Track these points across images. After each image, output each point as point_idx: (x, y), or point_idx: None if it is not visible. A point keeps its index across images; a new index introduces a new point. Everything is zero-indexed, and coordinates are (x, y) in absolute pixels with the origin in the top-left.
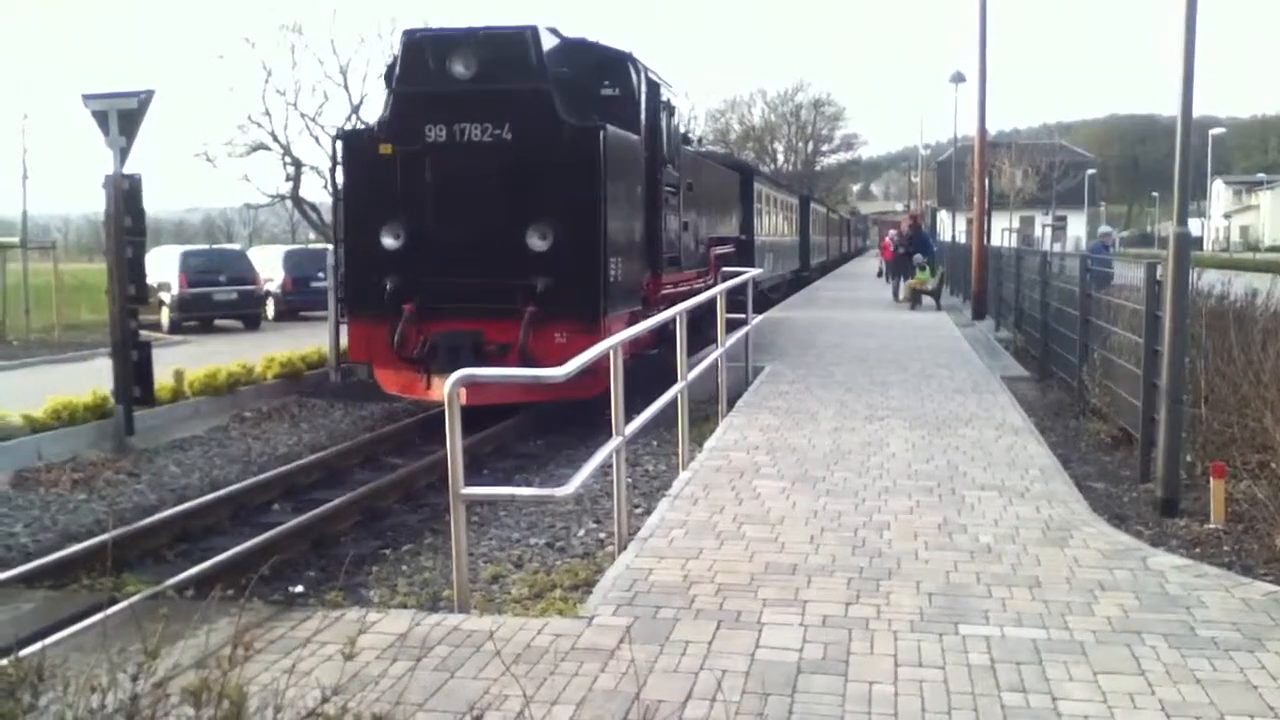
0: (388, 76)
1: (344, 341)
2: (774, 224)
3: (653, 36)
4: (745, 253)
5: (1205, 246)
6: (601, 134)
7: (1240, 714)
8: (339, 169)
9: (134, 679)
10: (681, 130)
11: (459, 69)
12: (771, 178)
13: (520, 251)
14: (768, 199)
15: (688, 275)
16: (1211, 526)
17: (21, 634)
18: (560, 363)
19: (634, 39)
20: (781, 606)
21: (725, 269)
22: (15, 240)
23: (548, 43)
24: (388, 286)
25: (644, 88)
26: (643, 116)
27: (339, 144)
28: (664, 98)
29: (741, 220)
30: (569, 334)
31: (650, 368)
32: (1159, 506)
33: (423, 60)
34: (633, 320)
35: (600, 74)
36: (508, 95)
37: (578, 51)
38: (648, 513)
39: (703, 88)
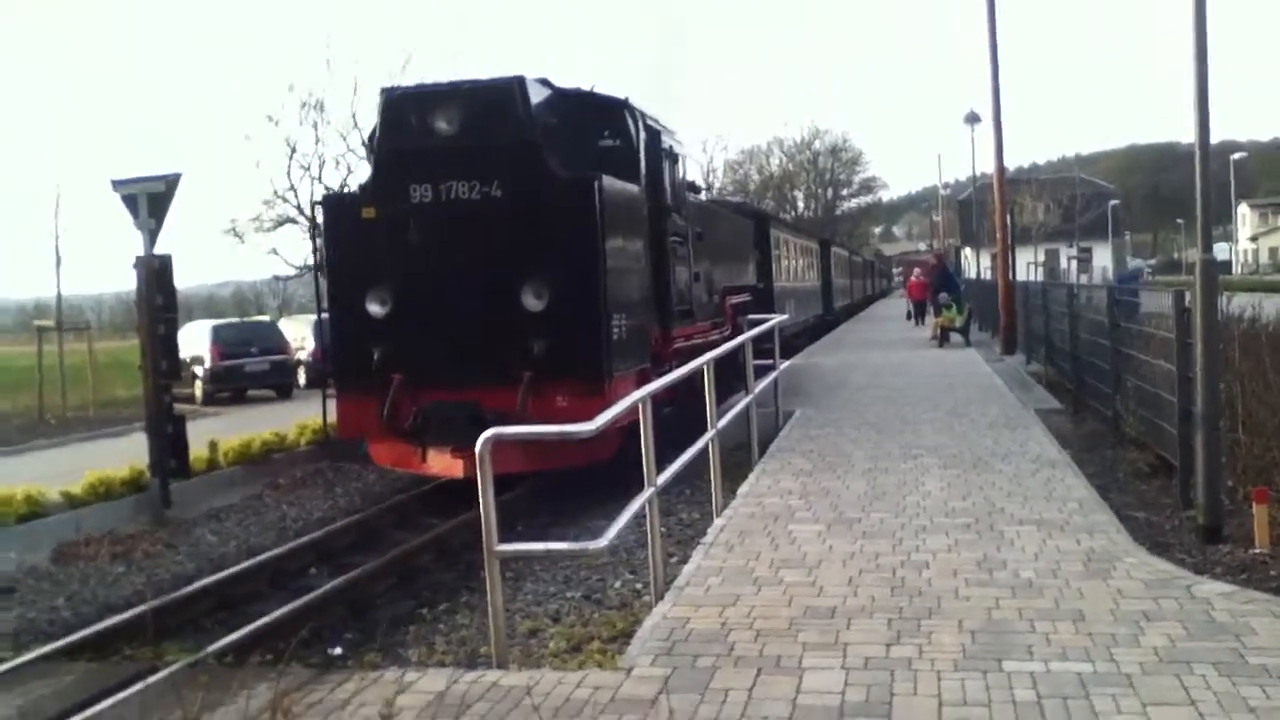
0: (371, 138)
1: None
2: (794, 269)
3: (666, 90)
4: (764, 301)
5: (1234, 270)
6: (596, 184)
7: None
8: (321, 236)
9: None
10: (689, 178)
11: (442, 125)
12: (788, 223)
13: (515, 312)
14: (786, 244)
15: (701, 327)
16: (1256, 551)
17: (64, 706)
18: None
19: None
20: (822, 650)
21: (750, 316)
22: (50, 323)
23: (537, 94)
24: (375, 356)
25: (642, 135)
26: (643, 164)
27: (320, 209)
28: (665, 144)
29: (758, 268)
30: (571, 398)
31: (674, 418)
32: (1201, 534)
33: (404, 118)
34: (642, 379)
35: (596, 123)
36: (494, 150)
37: (571, 101)
38: (683, 561)
39: (719, 140)
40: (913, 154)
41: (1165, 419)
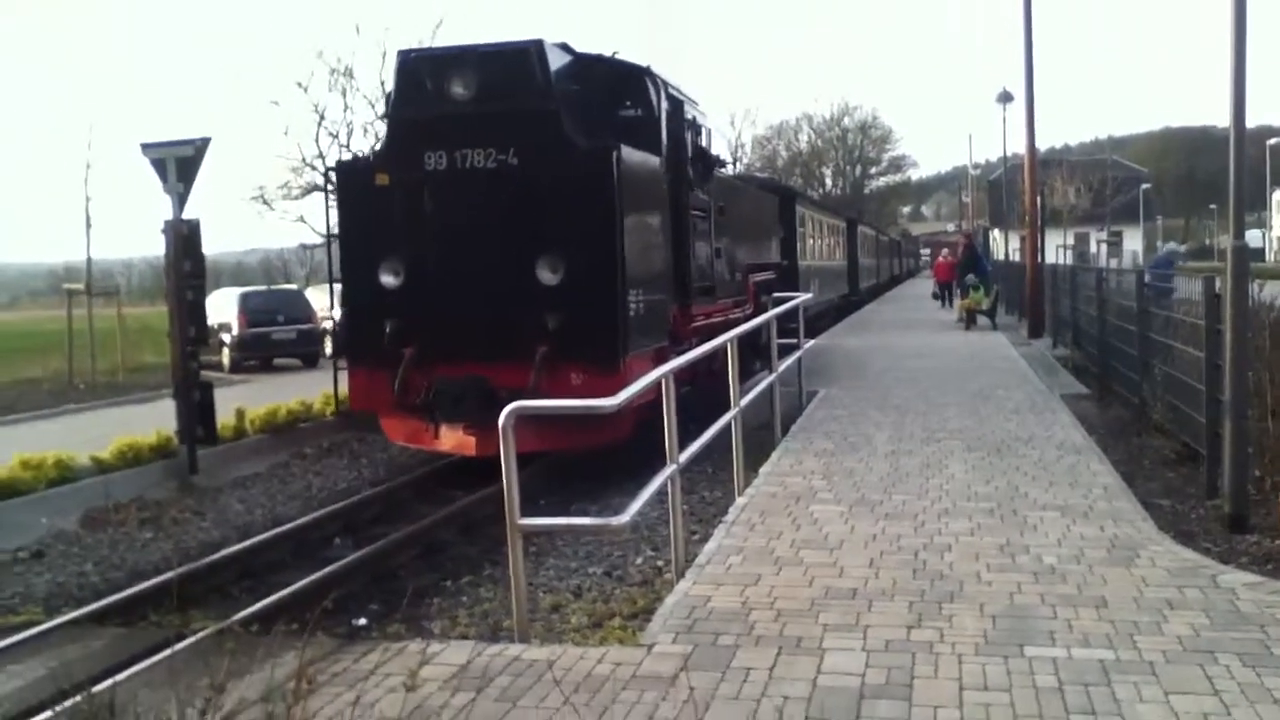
0: (387, 102)
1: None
2: (819, 248)
3: (695, 64)
4: (787, 279)
5: (1266, 257)
6: (615, 155)
7: None
8: (335, 203)
9: (201, 714)
10: (714, 151)
11: (459, 90)
12: (815, 200)
13: (529, 286)
14: (811, 222)
15: (722, 305)
16: None
17: (93, 671)
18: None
19: (676, 67)
20: (843, 631)
21: (775, 295)
22: (80, 286)
23: (557, 60)
24: (387, 329)
25: (664, 105)
26: (664, 135)
27: (333, 176)
28: (689, 115)
29: (783, 245)
30: (585, 376)
31: (692, 399)
32: (1227, 522)
33: (420, 82)
34: (659, 358)
35: (617, 92)
36: (511, 117)
37: (592, 68)
38: (705, 540)
39: (748, 115)
40: (943, 133)
41: (1193, 406)
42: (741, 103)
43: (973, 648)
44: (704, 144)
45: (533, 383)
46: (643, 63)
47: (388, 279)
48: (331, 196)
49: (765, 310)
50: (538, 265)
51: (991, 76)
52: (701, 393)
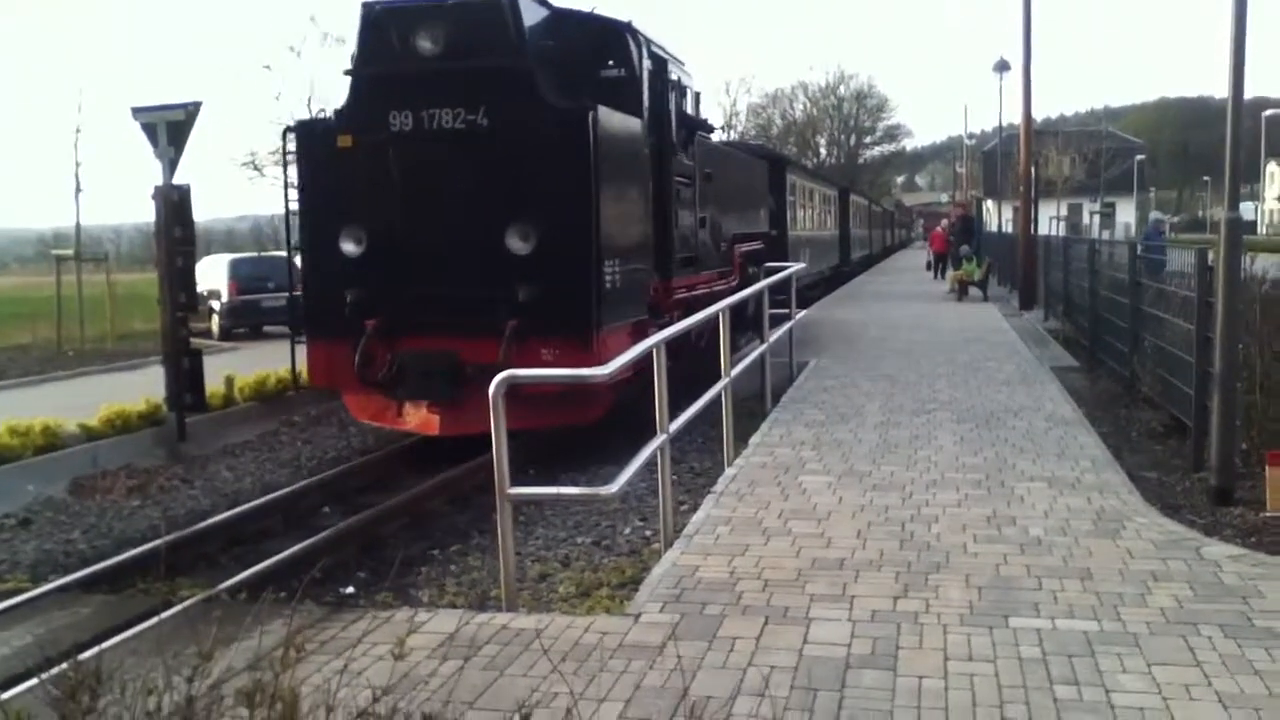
0: (351, 60)
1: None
2: (810, 218)
3: (691, 30)
4: (777, 249)
5: (1259, 230)
6: (591, 116)
7: None
8: (294, 165)
9: (189, 681)
10: (702, 116)
11: (426, 45)
12: (806, 168)
13: (499, 256)
14: (802, 191)
15: (706, 277)
16: (1267, 515)
17: (80, 638)
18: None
19: (671, 31)
20: (829, 602)
21: (767, 265)
22: (69, 252)
23: (531, 14)
24: (348, 300)
25: (646, 63)
26: (645, 96)
27: (292, 136)
28: (673, 76)
29: (772, 214)
30: (557, 351)
31: (672, 374)
32: (1213, 495)
33: (384, 36)
34: (637, 332)
35: (596, 50)
36: (481, 74)
37: (569, 24)
38: (693, 510)
39: (744, 83)
40: (938, 103)
41: (1181, 379)
42: (737, 70)
43: (958, 618)
44: (689, 107)
45: (501, 358)
46: (625, 18)
47: (349, 247)
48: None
49: (752, 282)
50: (508, 233)
51: (988, 46)
52: (683, 367)
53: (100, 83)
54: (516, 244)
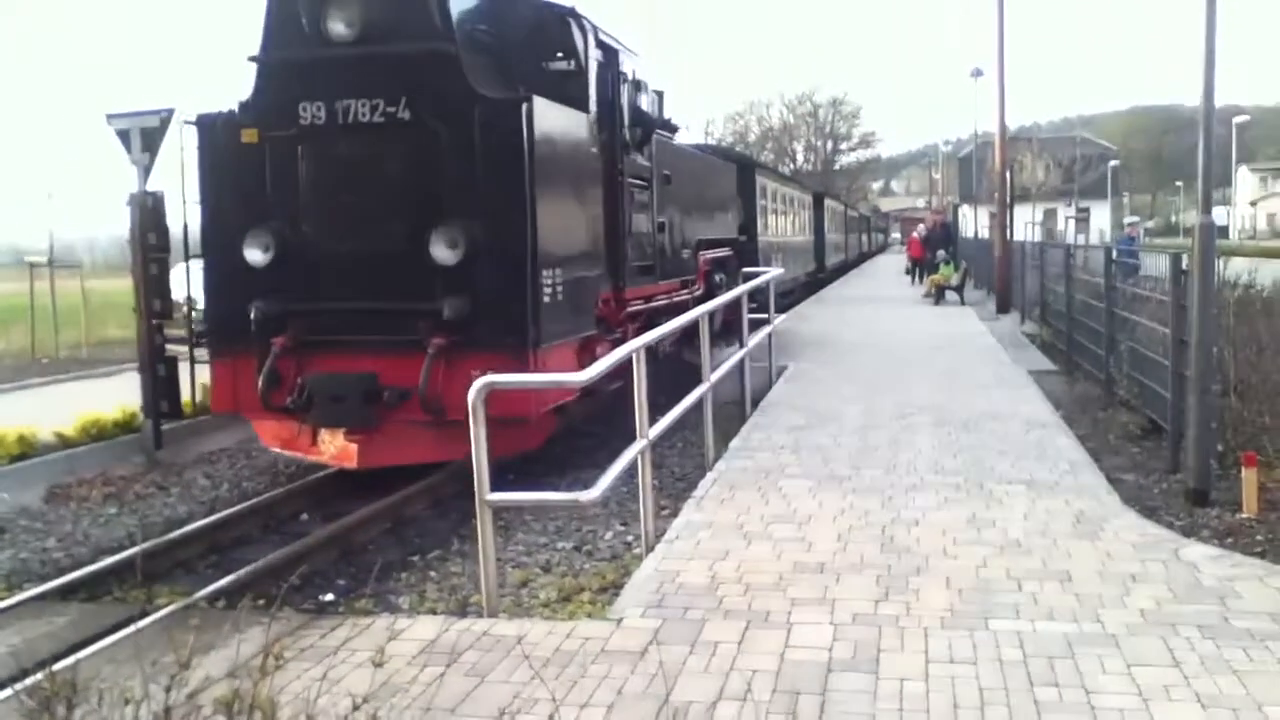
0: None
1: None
2: (782, 223)
3: (667, 42)
4: (746, 256)
5: (1231, 235)
6: (525, 107)
7: (1278, 704)
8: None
9: (167, 690)
10: (662, 114)
11: (340, 28)
12: (777, 171)
13: (423, 265)
14: (774, 195)
15: (666, 286)
16: (1244, 516)
17: (57, 648)
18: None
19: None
20: (811, 605)
21: (745, 270)
22: (43, 259)
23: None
24: (252, 314)
25: (593, 53)
26: (592, 89)
27: (193, 131)
28: (625, 68)
29: (742, 219)
30: (490, 371)
31: (662, 373)
32: (1190, 497)
33: (293, 18)
34: (585, 349)
35: (538, 39)
36: (403, 60)
37: (506, 9)
38: (674, 514)
39: (720, 92)
40: (914, 111)
41: (1158, 382)
42: (714, 79)
43: (939, 621)
44: (647, 104)
45: (423, 381)
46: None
47: (254, 255)
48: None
49: (717, 291)
50: (433, 240)
51: (963, 55)
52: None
53: (78, 89)
54: (442, 252)
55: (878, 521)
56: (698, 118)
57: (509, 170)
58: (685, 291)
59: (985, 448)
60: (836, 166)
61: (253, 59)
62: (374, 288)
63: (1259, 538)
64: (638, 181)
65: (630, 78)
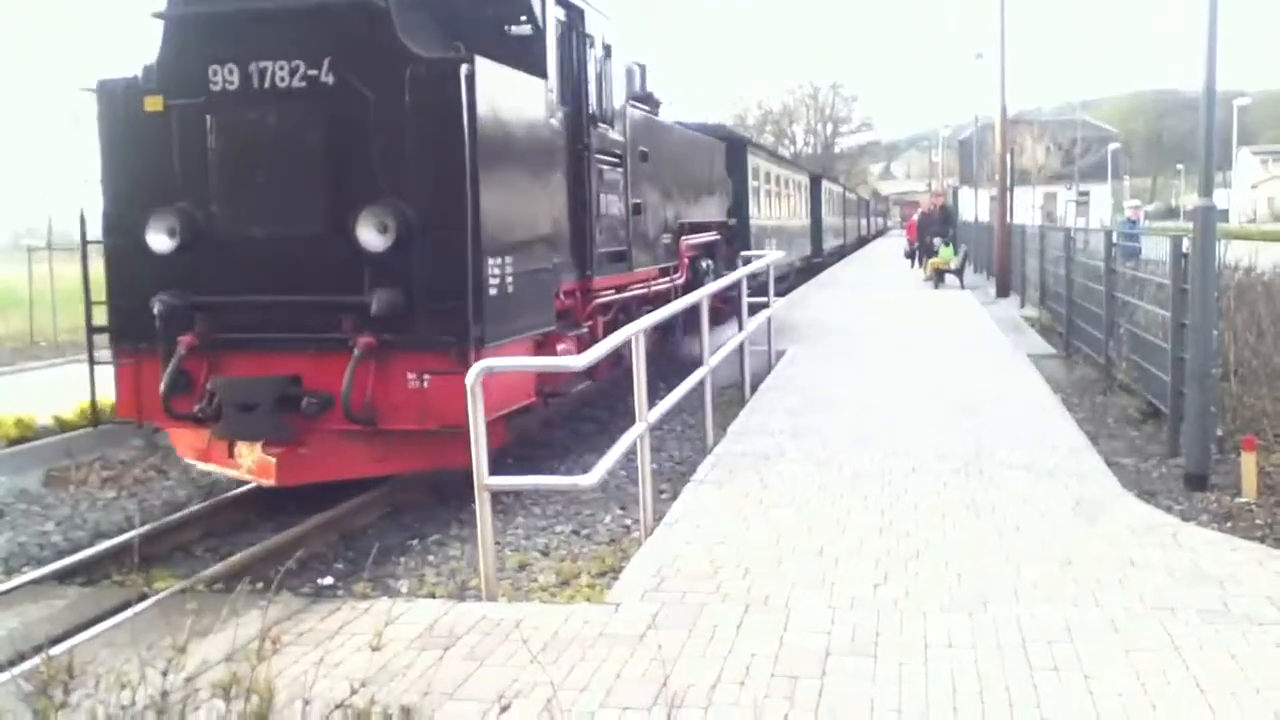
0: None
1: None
2: (777, 205)
3: (665, 26)
4: (737, 240)
5: (1232, 218)
6: (465, 69)
7: (1276, 688)
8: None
9: (164, 674)
10: (647, 89)
11: None
12: (772, 151)
13: (350, 252)
14: (768, 176)
15: (643, 275)
16: (1243, 500)
17: (54, 631)
18: (420, 418)
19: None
20: (809, 589)
21: (744, 254)
22: (42, 244)
23: None
24: (156, 308)
25: (554, 13)
26: (551, 52)
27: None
28: (593, 31)
29: (732, 201)
30: (428, 373)
31: (659, 358)
32: (1189, 481)
33: None
34: (543, 347)
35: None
36: (325, 14)
37: None
38: (673, 498)
39: (718, 76)
40: (914, 95)
41: (1157, 366)
42: (712, 64)
43: (937, 605)
44: (624, 72)
45: (346, 385)
46: None
47: (159, 241)
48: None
49: (703, 278)
50: (360, 223)
51: (965, 37)
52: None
53: (77, 69)
54: (371, 236)
55: (876, 505)
56: (696, 103)
57: (446, 142)
58: (665, 280)
59: (984, 431)
60: (837, 150)
61: (157, 15)
62: (293, 278)
63: (1258, 522)
64: (608, 158)
65: (601, 42)
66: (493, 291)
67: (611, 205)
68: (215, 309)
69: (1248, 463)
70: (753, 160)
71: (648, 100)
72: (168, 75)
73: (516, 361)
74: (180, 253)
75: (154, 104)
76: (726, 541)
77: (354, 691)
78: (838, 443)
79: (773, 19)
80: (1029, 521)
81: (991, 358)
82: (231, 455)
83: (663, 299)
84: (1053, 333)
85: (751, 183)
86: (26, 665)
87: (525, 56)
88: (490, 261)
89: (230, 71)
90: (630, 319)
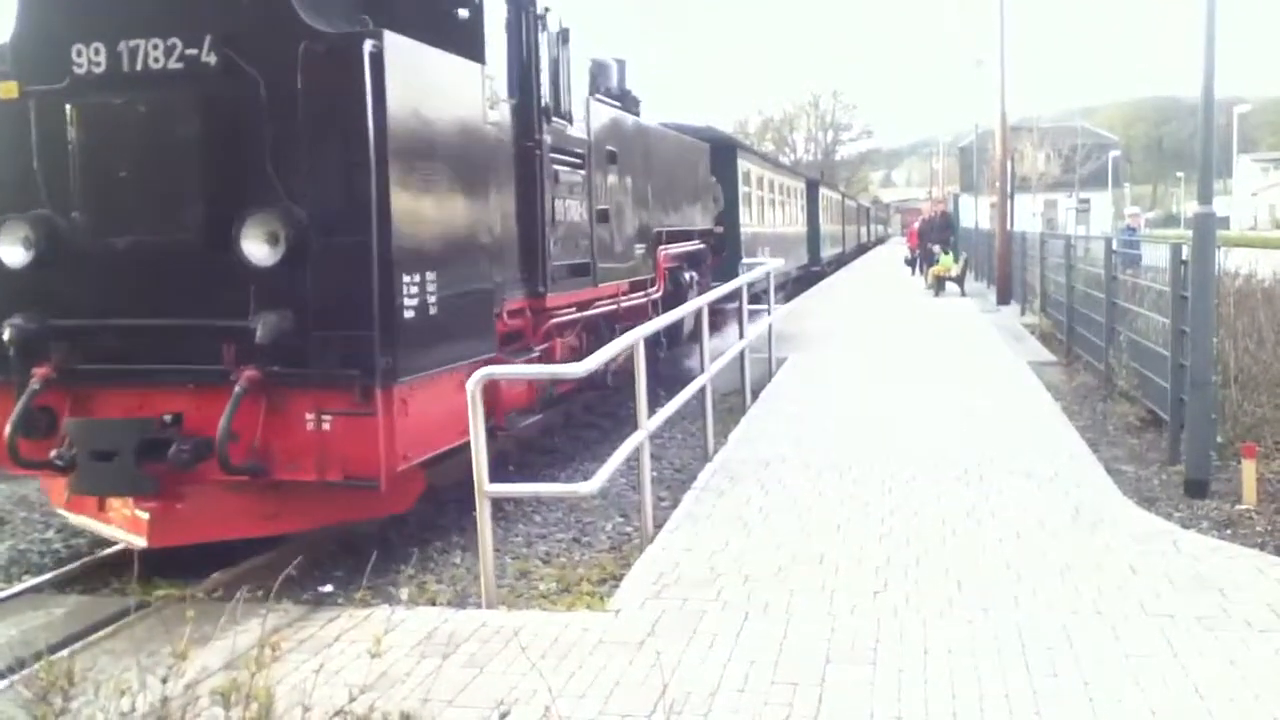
0: None
1: None
2: (771, 212)
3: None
4: (727, 249)
5: (1232, 225)
6: (368, 45)
7: (1275, 694)
8: None
9: (164, 681)
10: (625, 85)
11: None
12: (765, 155)
13: (232, 268)
14: (760, 181)
15: (610, 290)
16: (1243, 507)
17: (54, 639)
18: (320, 467)
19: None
20: (809, 596)
21: (745, 261)
22: None
23: None
24: (6, 334)
25: None
26: (490, 33)
27: None
28: (540, 10)
29: (719, 208)
30: (329, 411)
31: (658, 366)
32: (1189, 488)
33: None
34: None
35: None
36: None
37: None
38: (674, 505)
39: (719, 84)
40: (914, 102)
41: (1157, 373)
42: (712, 71)
43: (937, 611)
44: (585, 63)
45: (223, 428)
46: None
47: (12, 253)
48: None
49: (686, 291)
50: (246, 232)
51: (965, 45)
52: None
53: None
54: (257, 248)
55: (877, 512)
56: (696, 110)
57: (347, 134)
58: (640, 295)
59: (984, 438)
60: (837, 157)
61: None
62: (166, 298)
63: (1258, 529)
64: (566, 158)
65: (558, 27)
66: (409, 314)
67: (570, 211)
68: (77, 334)
69: (1248, 470)
70: (744, 164)
71: (624, 98)
72: (23, 57)
73: (518, 369)
74: (37, 267)
75: (7, 90)
76: (727, 548)
77: (354, 698)
78: (838, 450)
79: (774, 27)
80: (1029, 528)
81: (992, 364)
82: (102, 509)
83: (637, 315)
84: (1053, 340)
85: (743, 188)
86: (26, 672)
87: (461, 39)
88: (405, 278)
89: (96, 52)
90: (598, 339)
